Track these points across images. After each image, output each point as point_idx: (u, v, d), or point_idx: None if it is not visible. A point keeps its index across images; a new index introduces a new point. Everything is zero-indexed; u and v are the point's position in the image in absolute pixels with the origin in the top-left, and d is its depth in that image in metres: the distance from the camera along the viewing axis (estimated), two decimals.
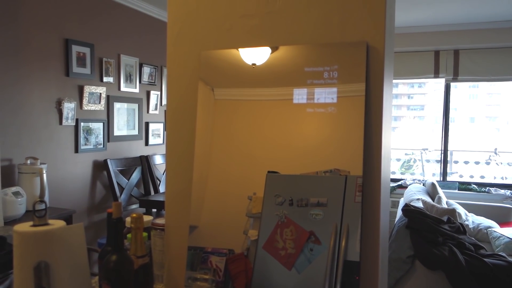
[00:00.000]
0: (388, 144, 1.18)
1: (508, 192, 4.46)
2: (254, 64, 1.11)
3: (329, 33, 1.04)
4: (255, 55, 1.11)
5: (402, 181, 4.85)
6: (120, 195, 3.51)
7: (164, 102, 4.30)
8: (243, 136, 1.10)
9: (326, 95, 1.02)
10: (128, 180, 3.67)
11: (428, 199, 3.62)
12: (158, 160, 4.12)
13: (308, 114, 1.04)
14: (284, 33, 1.09)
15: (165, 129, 4.33)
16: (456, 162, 5.27)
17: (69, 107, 3.11)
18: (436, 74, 4.73)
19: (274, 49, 1.10)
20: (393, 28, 1.23)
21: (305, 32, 1.07)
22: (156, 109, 4.18)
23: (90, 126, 3.35)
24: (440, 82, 4.82)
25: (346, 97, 1.01)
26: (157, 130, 4.23)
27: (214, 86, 1.15)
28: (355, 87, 1.00)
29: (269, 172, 1.06)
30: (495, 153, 5.32)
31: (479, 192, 4.57)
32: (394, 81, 5.20)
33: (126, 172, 3.72)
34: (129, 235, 1.15)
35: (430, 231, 2.63)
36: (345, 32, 1.02)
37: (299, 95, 1.05)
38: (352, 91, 1.01)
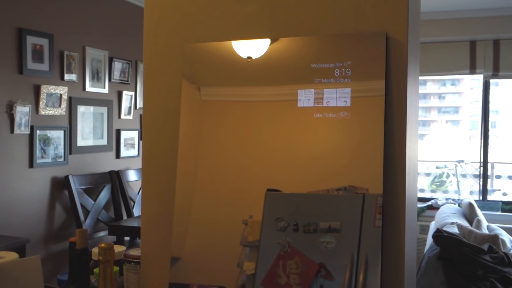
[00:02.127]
0: (415, 155, 1.19)
1: None
2: (249, 58, 1.12)
3: (340, 22, 1.06)
4: (251, 47, 1.12)
5: (432, 201, 4.86)
6: (85, 219, 3.50)
7: (139, 104, 4.31)
8: (237, 145, 1.11)
9: (337, 97, 1.03)
10: (95, 201, 3.66)
11: (465, 223, 3.63)
12: (132, 177, 4.12)
13: (316, 120, 1.05)
14: (286, 23, 1.10)
15: (140, 138, 4.33)
16: (498, 177, 5.29)
17: (22, 112, 3.12)
18: (473, 70, 4.77)
19: (273, 39, 1.11)
20: (418, 14, 1.25)
21: (311, 21, 1.08)
22: (129, 113, 4.19)
23: (48, 135, 3.35)
24: (478, 79, 4.86)
25: (362, 100, 1.02)
26: (130, 139, 4.23)
27: (201, 85, 1.16)
28: (373, 87, 1.01)
29: (268, 190, 1.06)
30: None
31: None
32: (421, 78, 5.23)
33: (92, 191, 3.71)
34: (96, 270, 1.15)
35: (468, 262, 2.63)
36: (360, 21, 1.04)
37: (305, 97, 1.06)
38: (369, 92, 1.02)
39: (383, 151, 0.99)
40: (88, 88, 3.70)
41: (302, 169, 1.05)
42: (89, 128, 3.74)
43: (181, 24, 1.19)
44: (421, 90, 5.56)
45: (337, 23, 1.06)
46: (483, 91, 4.88)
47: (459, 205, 4.44)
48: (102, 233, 3.68)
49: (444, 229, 3.32)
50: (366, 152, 1.00)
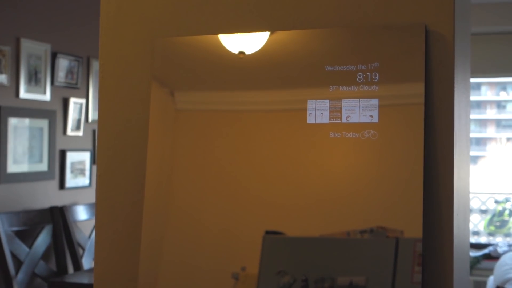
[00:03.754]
0: (466, 186, 1.20)
1: None
2: (241, 53, 1.13)
3: (364, 10, 1.07)
4: (244, 39, 1.14)
5: (490, 248, 4.85)
6: (16, 273, 3.46)
7: (92, 116, 4.31)
8: (224, 172, 1.11)
9: (361, 110, 1.04)
10: (30, 248, 3.63)
11: None
12: (82, 215, 4.09)
13: (332, 141, 1.05)
14: (291, 12, 1.11)
15: (94, 161, 4.32)
16: None
17: None
18: None
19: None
20: None
21: (326, 10, 1.09)
22: (78, 128, 4.18)
23: None
24: None
25: (393, 114, 1.03)
26: (80, 163, 4.22)
27: (176, 89, 1.17)
28: (408, 96, 1.02)
29: (267, 233, 1.06)
30: None
31: None
32: (473, 81, 5.27)
33: (27, 234, 3.68)
34: None
35: None
36: (391, 9, 1.05)
37: (317, 110, 1.06)
38: (403, 103, 1.03)
39: (422, 182, 0.99)
40: (23, 94, 3.70)
41: (313, 205, 1.05)
42: (23, 148, 3.73)
43: (150, 13, 1.21)
44: (473, 97, 5.59)
45: (360, 12, 1.07)
46: None
47: None
48: None
49: (506, 286, 3.30)
50: (399, 184, 1.01)
